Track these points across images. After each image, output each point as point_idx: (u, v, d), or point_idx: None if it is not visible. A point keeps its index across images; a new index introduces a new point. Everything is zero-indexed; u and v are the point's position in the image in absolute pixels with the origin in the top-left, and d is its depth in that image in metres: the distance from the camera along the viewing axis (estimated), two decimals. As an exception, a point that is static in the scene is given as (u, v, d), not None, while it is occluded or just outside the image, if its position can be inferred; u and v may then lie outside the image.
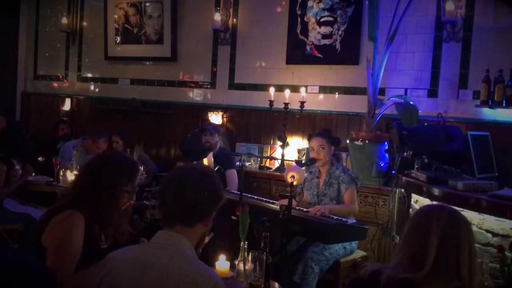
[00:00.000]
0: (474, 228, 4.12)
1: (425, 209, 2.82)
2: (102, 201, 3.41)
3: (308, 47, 8.02)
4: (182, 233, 2.74)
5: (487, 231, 4.24)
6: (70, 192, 3.55)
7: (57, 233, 3.26)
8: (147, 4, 9.61)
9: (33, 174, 7.15)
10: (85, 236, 3.32)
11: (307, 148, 7.49)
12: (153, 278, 2.58)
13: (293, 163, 6.89)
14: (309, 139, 6.09)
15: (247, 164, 7.87)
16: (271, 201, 5.80)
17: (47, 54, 11.14)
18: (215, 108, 8.89)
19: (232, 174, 7.06)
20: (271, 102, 7.54)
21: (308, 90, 7.92)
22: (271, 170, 7.78)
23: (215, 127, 7.50)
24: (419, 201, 5.19)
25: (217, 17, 8.69)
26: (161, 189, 2.88)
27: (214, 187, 2.86)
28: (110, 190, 3.45)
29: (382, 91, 7.16)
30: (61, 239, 3.24)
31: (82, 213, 3.35)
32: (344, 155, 7.32)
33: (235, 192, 6.35)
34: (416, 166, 5.06)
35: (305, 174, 6.12)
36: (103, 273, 2.73)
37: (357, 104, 7.49)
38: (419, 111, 6.45)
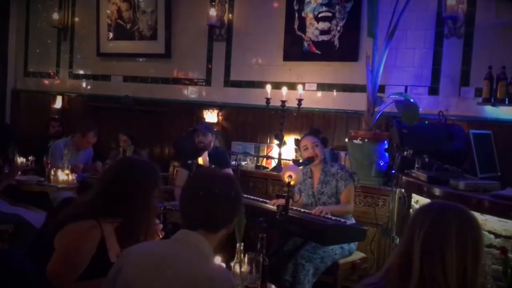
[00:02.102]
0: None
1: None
2: (138, 209, 3.40)
3: (305, 44, 8.01)
4: (204, 236, 2.78)
5: (490, 232, 4.24)
6: (93, 198, 3.47)
7: (71, 240, 3.26)
8: (141, -1, 9.61)
9: (19, 173, 7.12)
10: (98, 249, 3.29)
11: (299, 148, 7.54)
12: (171, 274, 2.61)
13: (290, 162, 6.90)
14: (299, 141, 6.10)
15: (243, 163, 7.88)
16: (267, 201, 5.80)
17: (38, 51, 11.11)
18: (210, 106, 8.88)
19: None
20: (267, 99, 7.55)
21: (306, 87, 7.91)
22: (268, 170, 7.78)
23: (207, 126, 7.51)
24: (419, 201, 5.19)
25: (212, 12, 8.68)
26: (185, 198, 2.90)
27: (238, 194, 2.91)
28: (144, 197, 3.44)
29: (381, 89, 7.16)
30: (72, 246, 3.25)
31: (103, 224, 3.33)
32: (343, 154, 7.33)
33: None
34: (416, 165, 5.07)
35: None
36: (120, 265, 2.75)
37: (356, 102, 7.49)
38: (420, 109, 6.45)
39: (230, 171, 7.07)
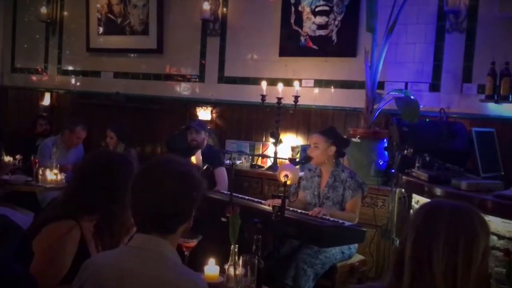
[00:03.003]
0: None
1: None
2: (116, 207, 3.33)
3: (302, 38, 8.00)
4: (162, 237, 2.69)
5: (493, 233, 4.22)
6: (72, 195, 3.46)
7: (50, 242, 3.22)
8: (132, -8, 9.59)
9: (8, 173, 7.10)
10: (79, 249, 3.27)
11: (302, 146, 7.52)
12: (133, 286, 2.56)
13: (287, 161, 6.89)
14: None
15: (238, 162, 7.87)
16: (263, 201, 5.77)
17: (25, 46, 11.10)
18: (203, 103, 8.87)
19: (221, 173, 7.05)
20: (263, 96, 7.52)
21: (303, 84, 7.89)
22: (263, 169, 7.78)
23: (201, 123, 7.48)
24: (420, 202, 5.18)
25: (206, 6, 8.65)
26: (132, 190, 2.82)
27: (192, 188, 2.78)
28: (123, 194, 3.37)
29: (381, 85, 7.15)
30: (52, 249, 3.20)
31: (82, 223, 3.30)
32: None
33: (225, 192, 6.33)
34: (417, 164, 5.06)
35: (303, 172, 6.12)
36: (82, 280, 2.70)
37: (355, 99, 7.46)
38: (420, 106, 6.45)
39: (223, 170, 7.06)
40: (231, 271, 3.68)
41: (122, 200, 3.31)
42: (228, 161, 7.40)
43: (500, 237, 4.21)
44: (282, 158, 7.54)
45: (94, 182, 3.41)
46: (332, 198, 5.70)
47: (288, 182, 4.80)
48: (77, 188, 3.48)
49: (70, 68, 10.55)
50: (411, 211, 5.45)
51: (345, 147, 5.91)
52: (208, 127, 7.81)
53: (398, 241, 5.15)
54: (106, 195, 3.35)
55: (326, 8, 7.80)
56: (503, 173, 5.35)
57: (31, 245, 3.25)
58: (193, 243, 3.82)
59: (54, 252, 3.19)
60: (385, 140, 6.80)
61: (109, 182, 3.38)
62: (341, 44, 7.73)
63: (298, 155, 7.46)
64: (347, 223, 5.24)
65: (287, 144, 7.89)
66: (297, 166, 5.47)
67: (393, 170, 5.52)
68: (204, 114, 8.75)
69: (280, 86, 7.63)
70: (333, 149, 5.73)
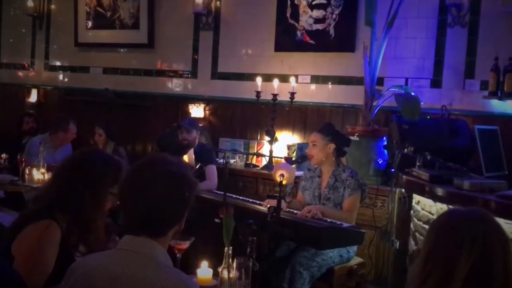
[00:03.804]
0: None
1: (453, 220, 2.51)
2: (85, 205, 3.33)
3: (299, 33, 7.99)
4: (152, 239, 2.67)
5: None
6: (46, 194, 3.47)
7: (30, 245, 3.20)
8: (122, -15, 9.57)
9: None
10: (60, 248, 3.26)
11: (298, 144, 7.51)
12: None
13: (283, 160, 6.89)
14: None
15: (232, 161, 7.87)
16: (258, 202, 5.75)
17: (11, 40, 11.10)
18: (196, 99, 8.86)
19: (211, 170, 7.05)
20: (258, 93, 7.51)
21: (299, 80, 7.89)
22: (258, 168, 7.77)
23: (192, 121, 7.45)
24: (420, 202, 5.18)
25: (199, -1, 8.65)
26: (120, 191, 2.82)
27: (185, 189, 2.76)
28: (94, 192, 3.38)
29: (380, 81, 7.16)
30: (32, 252, 3.18)
31: (60, 223, 3.29)
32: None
33: (219, 192, 6.32)
34: (417, 163, 5.06)
35: (302, 172, 6.11)
36: (70, 283, 2.68)
37: (353, 96, 7.47)
38: (421, 103, 6.42)
39: (213, 167, 7.06)
40: (225, 274, 3.66)
41: (96, 201, 3.31)
42: (221, 160, 7.39)
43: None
44: (277, 157, 7.53)
45: (66, 180, 3.43)
46: (333, 199, 5.66)
47: (284, 182, 4.79)
48: (51, 186, 3.51)
49: (58, 63, 10.53)
50: (411, 212, 5.45)
51: (345, 145, 5.86)
52: (201, 125, 7.81)
53: (397, 243, 5.17)
54: (77, 194, 3.35)
55: (324, 1, 7.78)
56: (507, 172, 5.34)
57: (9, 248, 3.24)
58: (185, 245, 3.81)
59: (35, 255, 3.18)
60: (384, 138, 6.81)
61: (79, 181, 3.39)
62: (339, 39, 7.72)
63: (294, 154, 7.44)
64: (345, 225, 5.23)
65: (283, 142, 7.88)
66: (293, 165, 5.46)
67: (393, 170, 5.50)
68: (197, 111, 8.74)
69: (275, 82, 7.62)
70: (332, 146, 5.70)
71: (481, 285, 2.29)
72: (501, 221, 4.13)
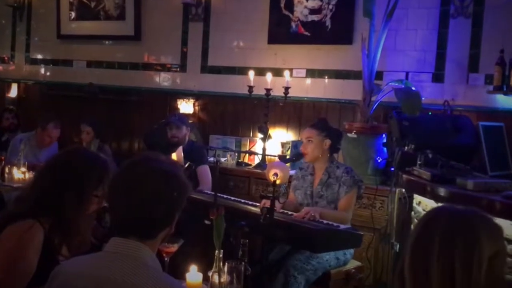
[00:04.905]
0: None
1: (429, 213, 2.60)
2: (68, 207, 3.34)
3: (293, 24, 7.98)
4: (141, 242, 2.66)
5: (502, 237, 4.22)
6: (29, 194, 3.48)
7: (11, 246, 3.21)
8: (106, -27, 9.54)
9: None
10: (43, 250, 3.27)
11: (292, 141, 7.51)
12: None
13: (276, 158, 6.88)
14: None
15: (223, 160, 7.85)
16: (250, 202, 5.76)
17: (-11, 32, 11.06)
18: (185, 94, 8.86)
19: (205, 171, 7.04)
20: (250, 88, 7.50)
21: (294, 73, 7.90)
22: (251, 167, 7.77)
23: (181, 118, 7.43)
24: (422, 203, 5.18)
25: (188, -12, 8.63)
26: (109, 191, 2.83)
27: (176, 190, 2.76)
28: (77, 194, 3.39)
29: (379, 75, 7.16)
30: (13, 253, 3.19)
31: (43, 223, 3.29)
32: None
33: (209, 192, 6.31)
34: (418, 162, 5.05)
35: (294, 172, 6.09)
36: None
37: (350, 90, 7.48)
38: (423, 98, 6.45)
39: (207, 168, 7.05)
40: (216, 278, 3.65)
41: (78, 203, 3.30)
42: (212, 159, 7.36)
43: (509, 241, 4.18)
44: (271, 155, 7.52)
45: (48, 180, 3.44)
46: (326, 196, 5.67)
47: (278, 182, 4.79)
48: (33, 186, 3.52)
49: (39, 56, 10.50)
50: (412, 213, 5.44)
51: (339, 140, 5.89)
52: (190, 121, 7.80)
53: (398, 246, 5.16)
54: (58, 195, 3.36)
55: (320, -10, 7.79)
56: (512, 171, 5.35)
57: None
58: (173, 248, 3.80)
59: (17, 256, 3.19)
60: (383, 135, 6.81)
61: (61, 182, 3.40)
62: (335, 31, 7.71)
63: (289, 152, 7.45)
64: (342, 227, 5.22)
65: (277, 139, 7.88)
66: (288, 164, 5.45)
67: (392, 168, 5.50)
68: (186, 106, 8.73)
69: (269, 76, 7.60)
70: (327, 142, 5.71)
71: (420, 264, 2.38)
72: (506, 223, 4.14)
